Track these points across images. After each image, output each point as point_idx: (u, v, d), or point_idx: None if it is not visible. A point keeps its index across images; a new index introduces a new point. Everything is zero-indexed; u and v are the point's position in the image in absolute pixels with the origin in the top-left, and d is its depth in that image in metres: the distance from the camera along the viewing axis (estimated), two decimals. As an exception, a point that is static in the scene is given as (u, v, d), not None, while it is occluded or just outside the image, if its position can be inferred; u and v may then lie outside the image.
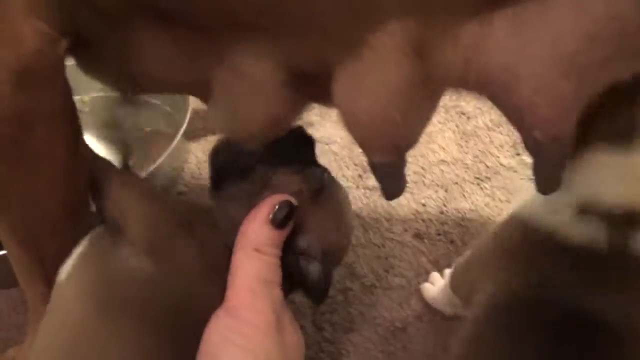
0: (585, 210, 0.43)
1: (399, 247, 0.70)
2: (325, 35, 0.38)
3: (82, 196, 0.47)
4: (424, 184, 0.78)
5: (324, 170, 0.53)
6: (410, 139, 0.44)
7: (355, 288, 0.67)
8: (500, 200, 0.75)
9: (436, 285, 0.64)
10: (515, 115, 0.39)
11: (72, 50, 0.42)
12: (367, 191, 0.77)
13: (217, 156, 0.52)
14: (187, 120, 0.80)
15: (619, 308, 0.42)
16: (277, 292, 0.44)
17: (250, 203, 0.48)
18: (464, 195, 0.75)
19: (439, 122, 0.89)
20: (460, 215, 0.73)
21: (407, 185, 0.75)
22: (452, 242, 0.70)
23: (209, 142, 0.88)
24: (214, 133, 0.88)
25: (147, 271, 0.43)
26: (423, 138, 0.85)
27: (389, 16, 0.36)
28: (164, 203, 0.48)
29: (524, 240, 0.46)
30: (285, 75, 0.41)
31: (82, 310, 0.42)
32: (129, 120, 0.91)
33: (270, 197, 0.46)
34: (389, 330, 0.63)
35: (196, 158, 0.87)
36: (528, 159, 0.75)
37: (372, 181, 0.78)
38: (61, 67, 0.40)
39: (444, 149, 0.84)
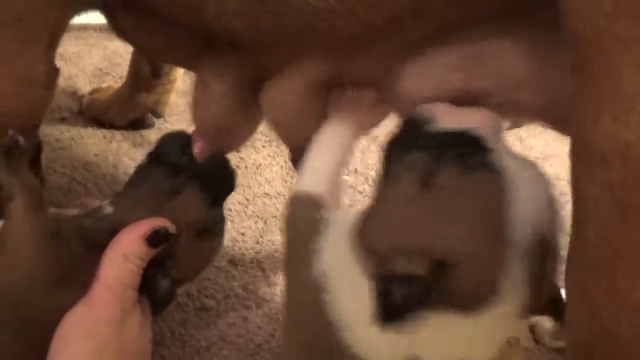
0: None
1: (214, 271, 0.75)
2: (274, 54, 0.52)
3: None
4: (246, 215, 0.83)
5: (223, 217, 0.59)
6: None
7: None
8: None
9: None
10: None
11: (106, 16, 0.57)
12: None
13: (173, 141, 0.58)
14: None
15: None
16: (131, 294, 0.50)
17: (151, 206, 0.53)
18: (280, 229, 0.82)
19: (269, 156, 0.95)
20: (274, 247, 0.80)
21: (230, 214, 0.81)
22: (263, 270, 0.76)
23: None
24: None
25: None
26: (251, 169, 0.91)
27: (309, 58, 0.50)
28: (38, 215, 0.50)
29: None
30: (237, 94, 0.55)
31: None
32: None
33: (154, 218, 0.52)
34: (194, 348, 0.68)
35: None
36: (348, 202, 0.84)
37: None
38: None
39: (269, 182, 0.90)
